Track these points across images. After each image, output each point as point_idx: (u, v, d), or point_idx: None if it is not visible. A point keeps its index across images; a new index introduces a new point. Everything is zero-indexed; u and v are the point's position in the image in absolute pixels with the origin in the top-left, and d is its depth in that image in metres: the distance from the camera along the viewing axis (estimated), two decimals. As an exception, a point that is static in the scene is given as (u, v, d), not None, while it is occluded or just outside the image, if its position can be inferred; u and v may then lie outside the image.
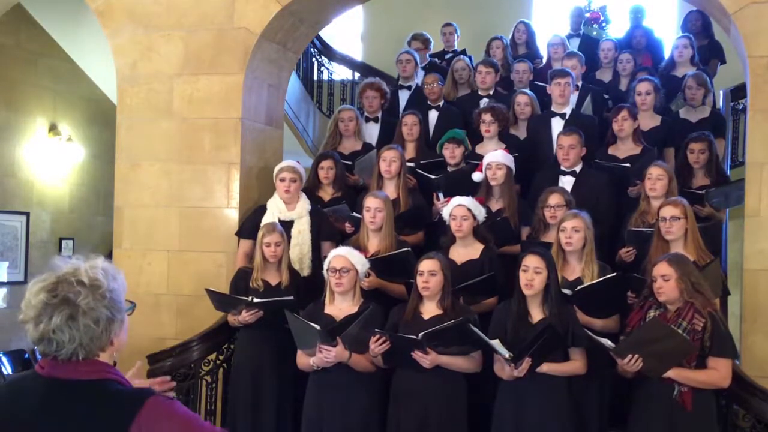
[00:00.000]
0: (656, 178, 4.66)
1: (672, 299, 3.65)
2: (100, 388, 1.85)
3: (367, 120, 6.20)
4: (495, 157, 4.99)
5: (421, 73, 6.96)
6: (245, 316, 4.36)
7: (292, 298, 4.31)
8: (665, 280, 3.64)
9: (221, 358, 4.86)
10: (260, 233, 4.58)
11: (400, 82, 6.90)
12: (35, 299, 1.84)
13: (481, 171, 5.05)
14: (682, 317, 3.60)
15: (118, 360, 1.97)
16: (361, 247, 4.46)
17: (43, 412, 1.83)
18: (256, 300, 4.37)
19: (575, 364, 3.80)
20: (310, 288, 4.58)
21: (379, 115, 6.24)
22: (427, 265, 3.95)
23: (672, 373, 3.55)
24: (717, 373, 3.58)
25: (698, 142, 5.25)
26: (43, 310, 1.83)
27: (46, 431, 1.82)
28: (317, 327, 3.79)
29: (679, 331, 3.54)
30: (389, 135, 5.97)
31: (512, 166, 5.02)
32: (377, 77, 6.79)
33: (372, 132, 6.15)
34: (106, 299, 1.86)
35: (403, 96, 6.78)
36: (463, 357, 3.89)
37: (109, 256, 7.85)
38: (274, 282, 4.55)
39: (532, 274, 3.79)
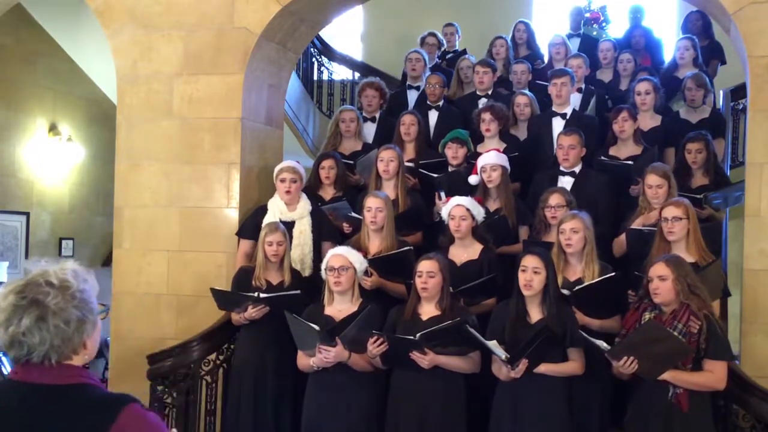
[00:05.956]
0: (656, 187, 4.62)
1: (668, 300, 3.63)
2: (76, 393, 1.82)
3: (365, 119, 6.19)
4: (489, 159, 4.96)
5: (428, 72, 6.93)
6: (251, 312, 4.35)
7: (299, 292, 4.32)
8: (662, 281, 3.62)
9: (221, 358, 4.86)
10: (263, 232, 4.58)
11: (408, 82, 6.86)
12: (4, 302, 1.81)
13: (476, 173, 5.03)
14: (677, 319, 3.58)
15: (89, 364, 1.93)
16: (361, 248, 4.45)
17: (17, 418, 1.79)
18: (262, 295, 4.37)
19: (573, 365, 3.80)
20: (311, 288, 4.57)
21: (377, 114, 6.23)
22: (426, 266, 3.95)
23: (668, 376, 3.54)
24: (712, 375, 3.57)
25: (695, 141, 5.23)
26: (12, 312, 1.80)
27: None
28: (317, 328, 3.80)
29: (675, 333, 3.53)
30: (386, 135, 5.96)
31: (507, 165, 5.00)
32: (377, 77, 6.79)
33: (369, 131, 6.13)
34: (76, 299, 1.83)
35: (412, 96, 6.75)
36: (462, 357, 3.89)
37: (109, 256, 7.87)
38: (275, 281, 4.56)
39: (530, 274, 3.79)
